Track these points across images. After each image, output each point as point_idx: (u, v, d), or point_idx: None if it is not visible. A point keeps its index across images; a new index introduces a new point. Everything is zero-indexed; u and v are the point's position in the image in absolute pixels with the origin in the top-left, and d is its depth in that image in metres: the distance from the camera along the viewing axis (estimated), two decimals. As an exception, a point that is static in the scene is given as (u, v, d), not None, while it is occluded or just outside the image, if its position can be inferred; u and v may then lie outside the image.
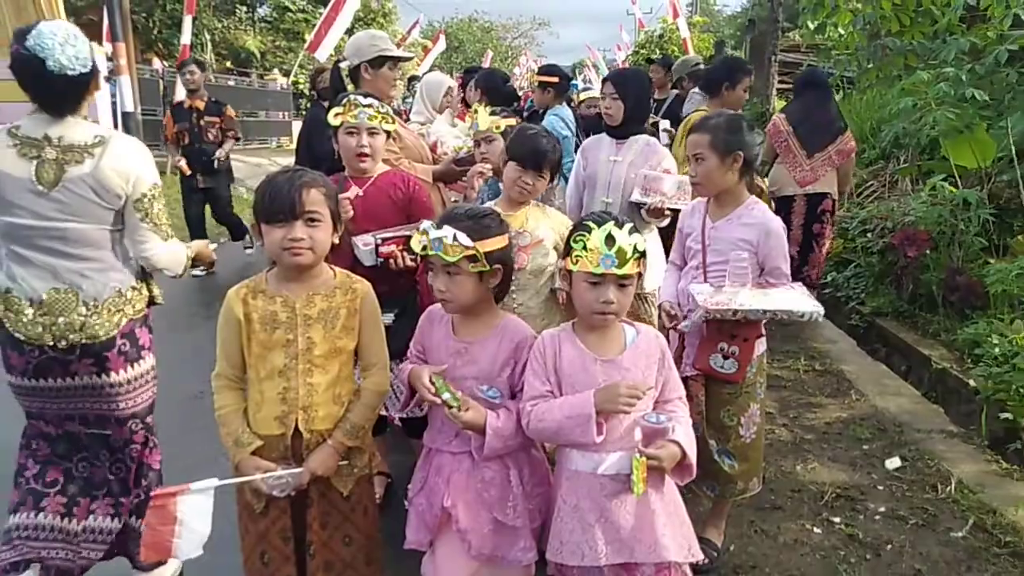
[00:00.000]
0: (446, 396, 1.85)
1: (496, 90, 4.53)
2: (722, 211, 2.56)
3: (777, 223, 2.53)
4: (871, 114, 7.87)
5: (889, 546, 2.83)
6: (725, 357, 2.49)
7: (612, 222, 1.80)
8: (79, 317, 2.19)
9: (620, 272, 1.79)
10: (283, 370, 1.89)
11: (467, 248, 1.83)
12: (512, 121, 3.29)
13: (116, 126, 11.47)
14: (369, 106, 2.65)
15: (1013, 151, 4.78)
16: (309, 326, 1.90)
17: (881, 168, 7.10)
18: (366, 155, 2.68)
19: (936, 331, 4.68)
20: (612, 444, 1.85)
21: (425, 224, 1.88)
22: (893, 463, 3.44)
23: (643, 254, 1.82)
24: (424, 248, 1.87)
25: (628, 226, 1.81)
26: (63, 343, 2.18)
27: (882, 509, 3.08)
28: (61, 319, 2.17)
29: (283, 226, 1.83)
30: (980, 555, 2.75)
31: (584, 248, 1.80)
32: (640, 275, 1.87)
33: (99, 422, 2.35)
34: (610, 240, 1.78)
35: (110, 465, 2.42)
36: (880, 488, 3.25)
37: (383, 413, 2.82)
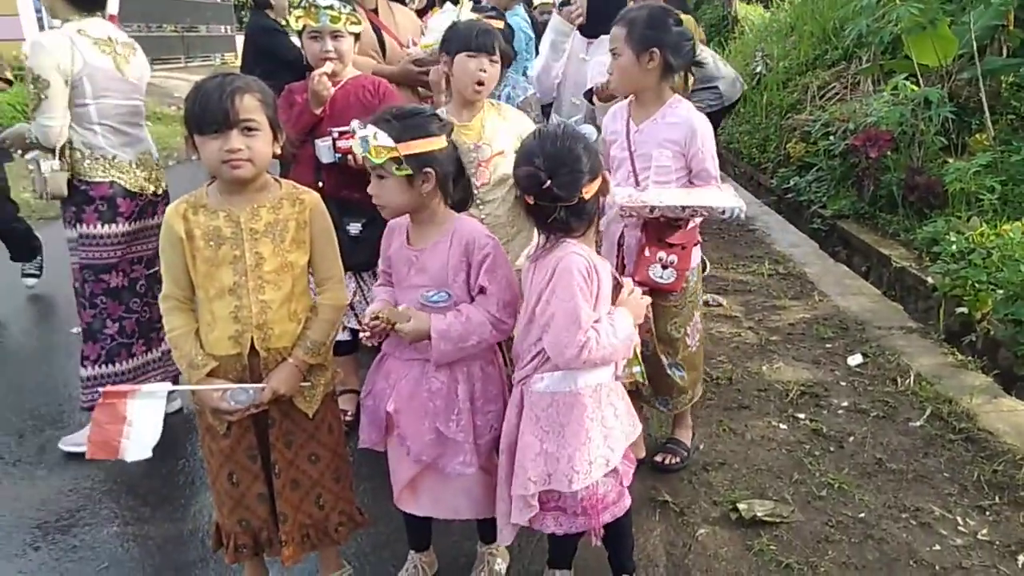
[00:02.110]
0: (384, 315, 1.82)
1: None
2: (645, 112, 2.43)
3: (703, 121, 2.41)
4: (833, 13, 7.70)
5: (851, 438, 2.91)
6: (664, 267, 2.44)
7: None
8: (155, 171, 2.97)
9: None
10: (233, 288, 1.79)
11: (390, 149, 1.73)
12: (497, 23, 3.09)
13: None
14: (330, 7, 2.50)
15: (975, 47, 4.73)
16: (256, 240, 1.79)
17: (843, 69, 7.00)
18: (332, 59, 2.57)
19: (896, 231, 4.73)
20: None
21: (355, 124, 1.76)
22: (855, 359, 3.51)
23: None
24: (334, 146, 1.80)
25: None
26: (160, 190, 2.98)
27: (844, 404, 3.16)
28: (154, 173, 2.96)
29: (217, 136, 1.69)
30: (936, 442, 2.85)
31: None
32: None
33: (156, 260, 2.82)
34: None
35: None
36: (843, 384, 3.33)
37: (355, 327, 2.78)
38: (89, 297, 2.88)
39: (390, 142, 1.72)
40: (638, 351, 1.82)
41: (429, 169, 1.80)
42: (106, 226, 2.83)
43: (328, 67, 2.59)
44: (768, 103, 7.42)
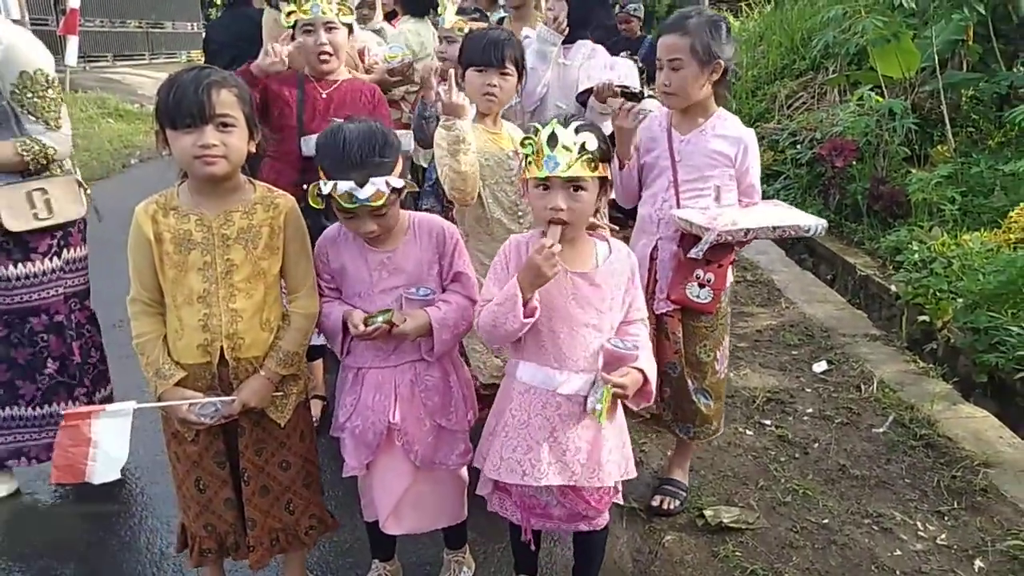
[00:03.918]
0: (380, 320, 1.77)
1: None
2: (691, 123, 2.32)
3: (752, 136, 2.34)
4: (801, 24, 7.85)
5: (816, 444, 2.96)
6: (701, 286, 2.31)
7: (556, 121, 1.67)
8: None
9: (563, 175, 1.65)
10: (203, 295, 1.75)
11: (391, 192, 1.72)
12: (481, 25, 3.08)
13: None
14: None
15: (936, 61, 4.85)
16: (228, 247, 1.75)
17: (811, 79, 7.14)
18: (328, 53, 2.51)
19: (861, 240, 4.83)
20: (575, 364, 1.78)
21: (339, 186, 1.69)
22: (820, 366, 3.57)
23: (596, 154, 1.67)
24: (326, 199, 1.73)
25: (576, 124, 1.66)
26: None
27: (810, 410, 3.21)
28: None
29: (191, 131, 1.64)
30: (898, 448, 2.91)
31: (532, 152, 1.68)
32: (604, 180, 1.74)
33: None
34: (552, 140, 1.65)
35: None
36: (808, 391, 3.38)
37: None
38: (77, 327, 2.63)
39: (398, 183, 1.72)
40: (608, 394, 1.72)
41: (409, 177, 1.80)
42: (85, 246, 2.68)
43: (281, 62, 2.49)
44: (738, 111, 7.46)
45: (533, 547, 2.01)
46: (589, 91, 2.96)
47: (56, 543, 2.41)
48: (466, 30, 3.03)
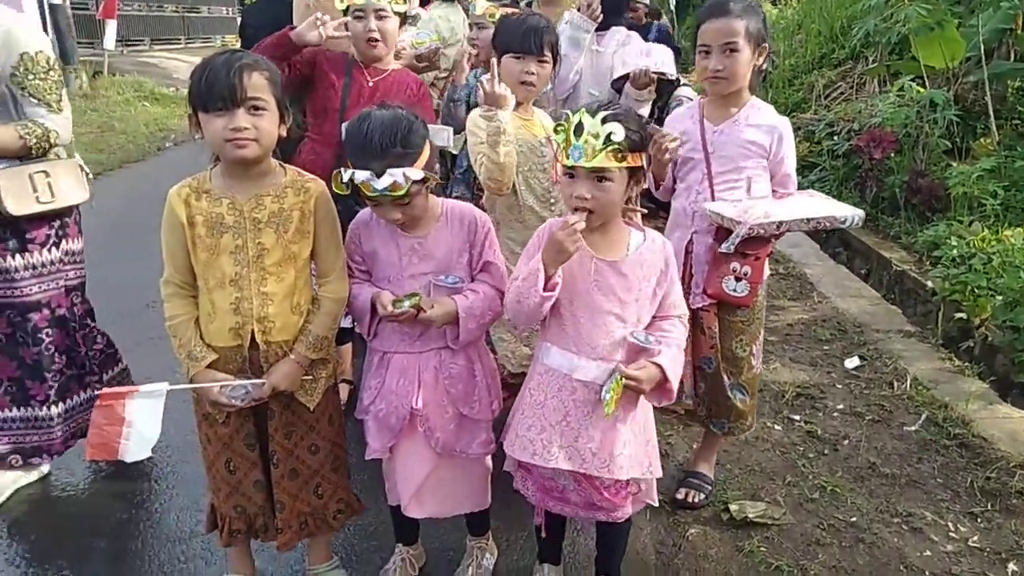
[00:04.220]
0: (407, 304, 1.77)
1: None
2: (724, 113, 2.27)
3: (787, 124, 2.28)
4: (841, 12, 7.66)
5: (846, 441, 2.91)
6: (737, 279, 2.25)
7: (584, 109, 1.66)
8: None
9: (587, 165, 1.64)
10: (234, 279, 1.77)
11: (417, 180, 1.72)
12: (511, 11, 3.07)
13: (44, 20, 10.64)
14: None
15: (982, 50, 4.70)
16: (260, 230, 1.77)
17: (850, 69, 6.98)
18: (375, 40, 2.51)
19: (897, 234, 4.72)
20: (594, 351, 1.77)
21: (357, 175, 1.70)
22: (852, 362, 3.51)
23: (624, 145, 1.63)
24: (349, 187, 1.73)
25: (604, 113, 1.63)
26: None
27: (840, 406, 3.16)
28: None
29: (223, 114, 1.65)
30: (931, 447, 2.86)
31: (563, 139, 1.68)
32: (636, 171, 1.71)
33: None
34: (579, 129, 1.64)
35: None
36: (839, 386, 3.33)
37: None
38: (80, 320, 2.57)
39: (419, 174, 1.72)
40: (618, 385, 1.71)
41: (436, 165, 1.81)
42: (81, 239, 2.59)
43: (336, 32, 2.50)
44: (773, 101, 7.38)
45: (554, 535, 2.01)
46: (625, 77, 2.93)
47: (87, 520, 2.47)
48: (497, 16, 3.01)
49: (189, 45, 16.48)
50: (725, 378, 2.39)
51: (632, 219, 1.85)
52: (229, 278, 1.77)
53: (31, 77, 2.28)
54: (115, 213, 5.49)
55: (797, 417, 3.08)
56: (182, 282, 1.81)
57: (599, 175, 1.67)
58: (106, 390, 1.71)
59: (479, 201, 2.48)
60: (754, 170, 2.27)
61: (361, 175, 1.70)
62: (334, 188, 1.76)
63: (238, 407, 1.80)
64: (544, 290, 1.67)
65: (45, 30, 10.67)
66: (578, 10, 3.07)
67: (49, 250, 2.43)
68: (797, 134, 6.30)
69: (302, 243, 1.82)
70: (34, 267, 2.40)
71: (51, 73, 2.32)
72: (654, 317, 1.84)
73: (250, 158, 1.72)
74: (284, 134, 1.79)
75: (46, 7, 9.91)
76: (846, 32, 7.25)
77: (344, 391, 2.97)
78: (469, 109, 2.89)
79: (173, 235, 1.78)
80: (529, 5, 3.74)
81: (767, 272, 2.38)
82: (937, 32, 4.81)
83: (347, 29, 2.56)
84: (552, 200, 2.41)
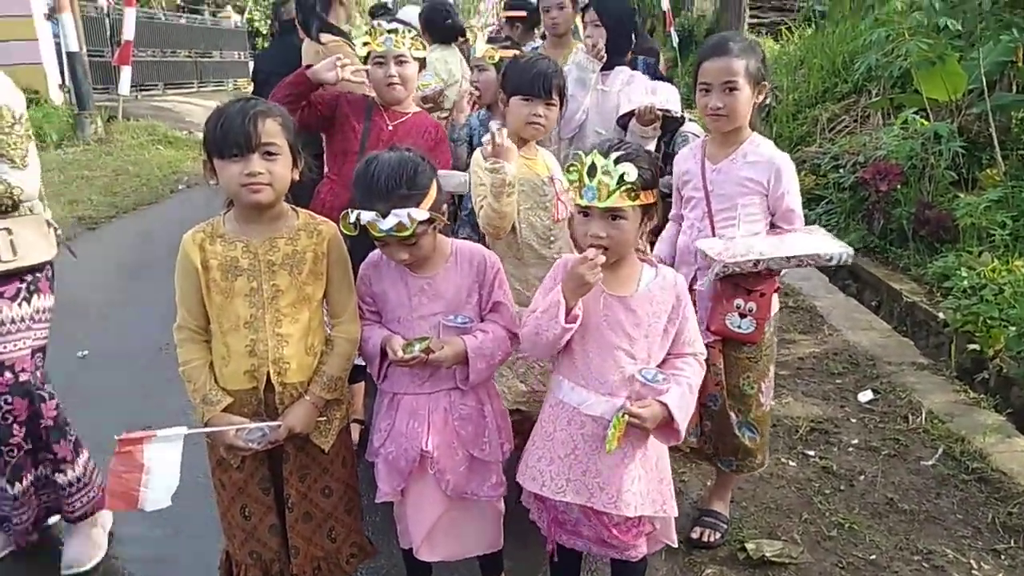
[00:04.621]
0: (417, 349, 1.79)
1: (435, 24, 4.30)
2: (724, 151, 2.30)
3: (786, 158, 2.28)
4: (843, 47, 7.77)
5: (862, 476, 2.87)
6: (742, 316, 2.25)
7: (597, 150, 1.69)
8: None
9: (601, 205, 1.67)
10: (249, 321, 1.79)
11: (423, 220, 1.74)
12: (511, 53, 3.14)
13: (61, 67, 10.91)
14: (394, 31, 2.52)
15: (983, 82, 4.74)
16: (274, 272, 1.79)
17: (853, 102, 7.05)
18: (396, 84, 2.57)
19: (907, 265, 4.72)
20: (603, 386, 1.78)
21: (363, 216, 1.72)
22: (865, 396, 3.48)
23: (637, 184, 1.66)
24: (357, 227, 1.74)
25: (616, 154, 1.67)
26: None
27: (855, 441, 3.12)
28: None
29: (238, 160, 1.69)
30: (949, 482, 2.82)
31: (575, 179, 1.70)
32: (648, 208, 1.73)
33: None
34: (592, 170, 1.67)
35: None
36: (853, 421, 3.30)
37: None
38: (41, 383, 2.31)
39: (424, 215, 1.73)
40: (619, 422, 1.71)
41: (444, 206, 1.83)
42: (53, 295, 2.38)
43: (358, 77, 2.57)
44: (778, 135, 7.45)
45: (568, 572, 1.99)
46: (630, 114, 2.98)
47: (96, 569, 2.43)
48: (496, 58, 3.09)
49: (202, 89, 16.78)
50: (733, 416, 2.36)
51: (645, 254, 1.86)
52: (244, 320, 1.79)
53: None
54: (127, 256, 5.56)
55: (812, 452, 3.04)
56: (196, 327, 1.83)
57: (613, 214, 1.70)
58: (125, 435, 1.68)
59: (484, 241, 2.51)
60: (748, 207, 2.28)
61: (367, 215, 1.72)
62: (342, 228, 1.79)
63: (254, 450, 1.80)
64: (565, 322, 1.69)
65: (62, 76, 10.97)
66: (584, 51, 3.13)
67: (20, 305, 2.22)
68: (803, 167, 6.39)
69: (315, 284, 1.84)
70: (1, 323, 2.18)
71: (15, 128, 2.16)
72: (669, 354, 1.84)
73: (264, 202, 1.75)
74: (297, 177, 1.82)
75: (63, 54, 10.17)
76: (848, 67, 7.33)
77: (355, 431, 2.96)
78: (471, 148, 2.97)
79: (187, 279, 1.81)
80: (535, 49, 3.82)
81: (776, 307, 2.37)
82: (939, 66, 4.86)
83: (367, 74, 2.63)
84: (552, 238, 2.43)
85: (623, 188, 1.66)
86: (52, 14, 10.46)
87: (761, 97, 2.25)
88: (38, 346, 2.30)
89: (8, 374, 2.20)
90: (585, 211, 1.72)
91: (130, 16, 10.44)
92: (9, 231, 2.17)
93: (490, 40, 3.27)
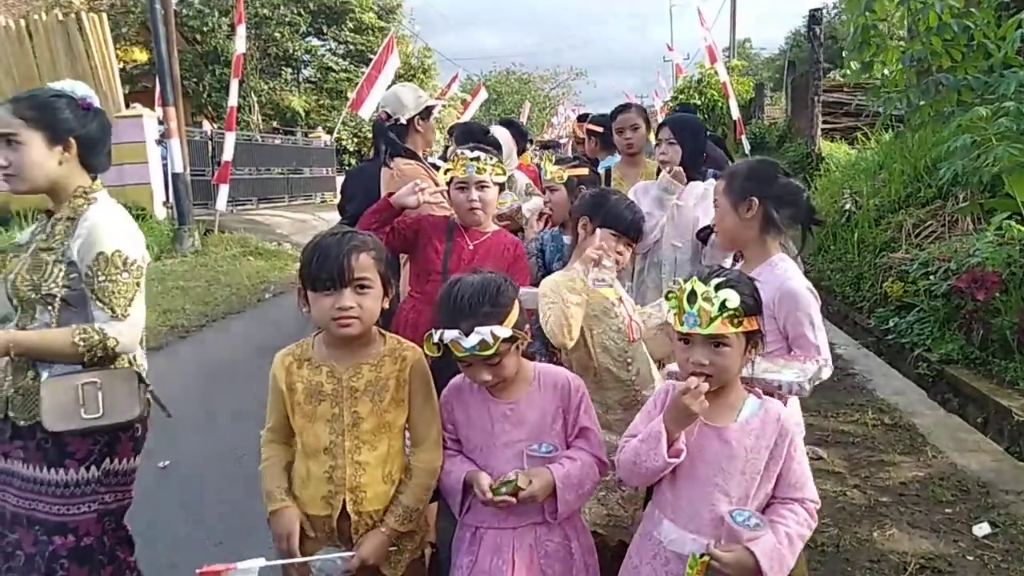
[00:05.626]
0: (504, 492, 1.74)
1: (471, 140, 4.44)
2: (747, 269, 2.19)
3: (797, 283, 2.10)
4: (924, 152, 7.62)
5: (987, 625, 2.56)
6: None
7: (696, 276, 1.66)
8: None
9: (703, 332, 1.61)
10: (328, 447, 1.79)
11: (506, 338, 1.73)
12: (580, 172, 3.23)
13: (166, 187, 11.84)
14: (476, 159, 2.62)
15: (1082, 186, 4.53)
16: (356, 399, 1.80)
17: (939, 207, 6.82)
18: (477, 208, 2.66)
19: (1014, 379, 4.38)
20: (691, 523, 1.67)
21: (446, 335, 1.73)
22: (981, 529, 3.15)
23: (740, 310, 1.60)
24: (440, 348, 1.75)
25: (717, 280, 1.62)
26: None
27: (974, 582, 2.81)
28: None
29: (331, 294, 1.73)
30: (1092, 636, 2.47)
31: (675, 306, 1.67)
32: (753, 335, 1.66)
33: None
34: (692, 297, 1.63)
35: None
36: (969, 558, 2.97)
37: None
38: (109, 552, 2.15)
39: (506, 332, 1.74)
40: (696, 562, 1.59)
41: (522, 331, 1.81)
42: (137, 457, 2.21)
43: (437, 198, 2.69)
44: (860, 240, 7.26)
45: None
46: (709, 228, 2.96)
47: None
48: (565, 178, 3.18)
49: (292, 202, 17.86)
50: None
51: (753, 385, 1.78)
52: (324, 446, 1.79)
53: (101, 278, 2.01)
54: (213, 363, 5.75)
55: (925, 593, 2.75)
56: (281, 435, 1.88)
57: (716, 341, 1.63)
58: (205, 568, 1.66)
59: (555, 358, 2.47)
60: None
61: (450, 334, 1.73)
62: (426, 350, 1.79)
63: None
64: (668, 455, 1.63)
65: (166, 194, 11.90)
66: (662, 170, 3.19)
67: (87, 468, 2.05)
68: (889, 273, 6.17)
69: (397, 411, 1.84)
70: (66, 484, 2.03)
71: (123, 275, 2.04)
72: (773, 498, 1.71)
73: (353, 335, 1.78)
74: (387, 306, 1.85)
75: (169, 175, 11.07)
76: (931, 172, 7.17)
77: (426, 555, 2.87)
78: (542, 262, 3.08)
79: (275, 396, 1.85)
80: (608, 171, 3.90)
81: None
82: (1031, 170, 4.69)
83: (448, 196, 2.72)
84: (629, 360, 2.37)
85: (725, 315, 1.60)
86: (162, 139, 11.48)
87: (749, 213, 2.16)
88: (108, 509, 2.13)
89: (71, 537, 2.05)
90: (686, 338, 1.67)
91: (230, 140, 11.36)
92: (97, 383, 2.02)
93: (558, 161, 3.39)
